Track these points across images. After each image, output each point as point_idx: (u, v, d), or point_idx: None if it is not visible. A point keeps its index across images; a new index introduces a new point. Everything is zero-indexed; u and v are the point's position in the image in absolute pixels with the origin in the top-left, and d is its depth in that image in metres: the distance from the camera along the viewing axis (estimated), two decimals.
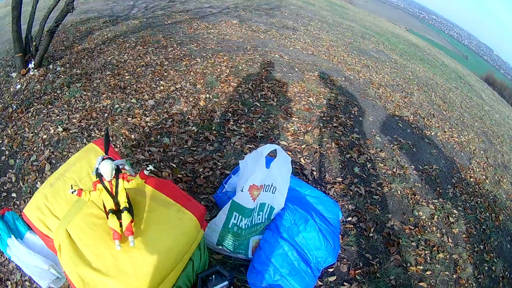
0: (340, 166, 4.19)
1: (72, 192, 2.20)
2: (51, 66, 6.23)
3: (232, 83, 5.51)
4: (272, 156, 2.98)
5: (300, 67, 6.71)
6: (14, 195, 3.65)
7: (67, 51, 6.89)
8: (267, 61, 6.68)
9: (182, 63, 6.16)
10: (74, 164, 2.63)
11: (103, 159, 2.29)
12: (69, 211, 2.42)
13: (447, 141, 6.12)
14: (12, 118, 4.83)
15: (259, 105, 4.99)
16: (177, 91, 5.20)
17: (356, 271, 3.04)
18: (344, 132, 4.87)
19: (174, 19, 9.20)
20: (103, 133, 4.13)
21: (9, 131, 4.58)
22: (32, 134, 4.42)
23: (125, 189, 2.31)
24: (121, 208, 2.29)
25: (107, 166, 2.22)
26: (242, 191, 2.78)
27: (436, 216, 4.03)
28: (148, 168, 2.27)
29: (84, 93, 5.13)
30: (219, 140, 4.18)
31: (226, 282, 2.58)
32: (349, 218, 3.52)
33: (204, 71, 5.90)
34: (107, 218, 2.29)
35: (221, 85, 5.44)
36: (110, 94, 5.08)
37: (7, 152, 4.22)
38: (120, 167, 2.39)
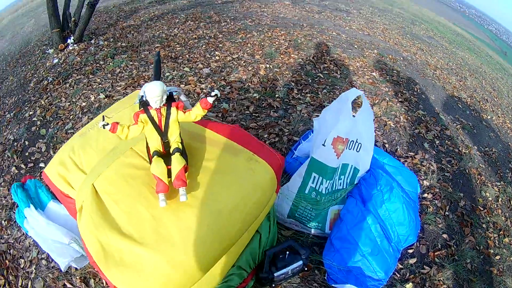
0: (410, 140, 4.06)
1: (104, 126, 1.68)
2: (93, 41, 6.26)
3: (292, 55, 5.42)
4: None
5: (359, 44, 6.59)
6: (42, 164, 3.55)
7: (111, 28, 6.99)
8: (326, 37, 6.56)
9: (237, 36, 6.10)
10: (116, 111, 2.21)
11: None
12: (99, 163, 1.90)
13: (501, 126, 5.94)
14: (47, 90, 4.87)
15: (322, 76, 4.89)
16: (234, 61, 5.14)
17: (435, 253, 2.87)
18: (410, 107, 4.74)
19: None
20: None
21: (42, 102, 4.60)
22: (69, 103, 4.41)
23: (179, 123, 1.79)
24: (171, 149, 1.77)
25: (155, 88, 1.66)
26: (324, 145, 2.32)
27: (500, 199, 3.86)
28: (213, 94, 1.72)
29: (131, 63, 5.13)
30: (284, 108, 4.08)
31: (301, 262, 2.13)
32: (425, 195, 3.37)
33: (262, 43, 5.83)
34: (150, 163, 1.76)
35: (281, 56, 5.35)
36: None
37: (38, 123, 4.22)
38: (174, 94, 1.86)
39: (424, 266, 2.74)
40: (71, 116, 4.15)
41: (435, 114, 4.91)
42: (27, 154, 3.81)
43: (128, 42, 5.95)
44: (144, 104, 1.75)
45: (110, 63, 5.16)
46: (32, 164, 3.65)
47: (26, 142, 3.98)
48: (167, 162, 1.69)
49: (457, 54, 9.59)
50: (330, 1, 10.49)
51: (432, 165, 3.78)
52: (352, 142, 2.44)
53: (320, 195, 2.42)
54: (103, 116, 1.77)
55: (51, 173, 2.03)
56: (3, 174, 3.74)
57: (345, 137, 2.36)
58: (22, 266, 2.68)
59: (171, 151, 1.75)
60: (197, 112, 1.74)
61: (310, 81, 4.70)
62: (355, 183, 2.60)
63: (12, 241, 2.89)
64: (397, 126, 4.22)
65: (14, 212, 2.92)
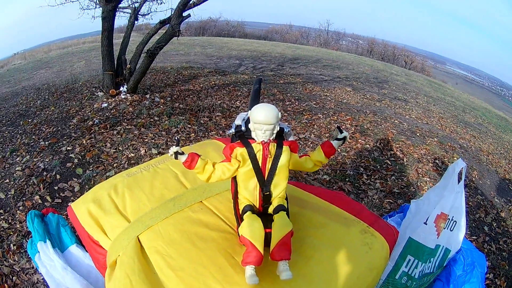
0: (473, 224, 4.29)
1: (176, 155, 1.28)
2: (148, 95, 6.21)
3: (359, 140, 5.74)
4: None
5: (420, 132, 6.91)
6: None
7: (168, 88, 7.20)
8: (389, 125, 6.92)
9: (303, 117, 6.46)
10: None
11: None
12: (152, 212, 1.50)
13: None
14: (91, 131, 4.93)
15: (390, 163, 5.15)
16: (300, 140, 5.44)
17: None
18: (470, 193, 4.97)
19: (286, 80, 9.68)
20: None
21: (84, 141, 4.62)
22: (114, 150, 4.46)
23: (288, 171, 1.34)
24: (271, 207, 1.34)
25: (269, 111, 1.26)
26: (425, 223, 2.04)
27: None
28: (341, 136, 1.39)
29: (189, 126, 5.29)
30: (356, 192, 4.33)
31: None
32: (487, 275, 3.56)
33: (328, 126, 6.17)
34: (238, 222, 1.36)
35: (349, 141, 5.63)
36: (221, 132, 5.23)
37: (76, 161, 4.22)
38: (286, 130, 1.42)
39: None
40: (115, 164, 4.16)
41: (491, 197, 5.15)
42: (56, 188, 3.74)
43: (186, 105, 6.15)
44: (241, 135, 1.33)
45: (166, 121, 5.29)
46: (59, 201, 3.55)
47: (58, 176, 3.94)
48: (266, 222, 1.28)
49: (503, 138, 9.80)
50: (388, 90, 11.05)
51: (492, 247, 4.00)
52: (448, 219, 2.13)
53: (411, 280, 2.08)
54: (177, 140, 1.31)
55: (80, 210, 1.64)
56: (24, 199, 3.61)
57: (448, 213, 2.10)
58: None
59: (270, 210, 1.33)
60: (318, 158, 1.37)
61: (378, 167, 4.97)
62: (444, 265, 2.25)
63: (18, 269, 2.70)
64: None
65: (27, 241, 2.48)
